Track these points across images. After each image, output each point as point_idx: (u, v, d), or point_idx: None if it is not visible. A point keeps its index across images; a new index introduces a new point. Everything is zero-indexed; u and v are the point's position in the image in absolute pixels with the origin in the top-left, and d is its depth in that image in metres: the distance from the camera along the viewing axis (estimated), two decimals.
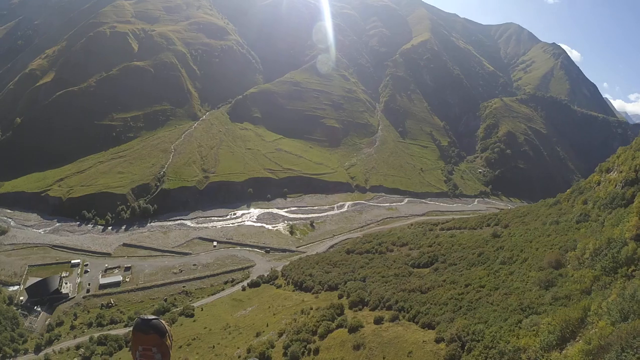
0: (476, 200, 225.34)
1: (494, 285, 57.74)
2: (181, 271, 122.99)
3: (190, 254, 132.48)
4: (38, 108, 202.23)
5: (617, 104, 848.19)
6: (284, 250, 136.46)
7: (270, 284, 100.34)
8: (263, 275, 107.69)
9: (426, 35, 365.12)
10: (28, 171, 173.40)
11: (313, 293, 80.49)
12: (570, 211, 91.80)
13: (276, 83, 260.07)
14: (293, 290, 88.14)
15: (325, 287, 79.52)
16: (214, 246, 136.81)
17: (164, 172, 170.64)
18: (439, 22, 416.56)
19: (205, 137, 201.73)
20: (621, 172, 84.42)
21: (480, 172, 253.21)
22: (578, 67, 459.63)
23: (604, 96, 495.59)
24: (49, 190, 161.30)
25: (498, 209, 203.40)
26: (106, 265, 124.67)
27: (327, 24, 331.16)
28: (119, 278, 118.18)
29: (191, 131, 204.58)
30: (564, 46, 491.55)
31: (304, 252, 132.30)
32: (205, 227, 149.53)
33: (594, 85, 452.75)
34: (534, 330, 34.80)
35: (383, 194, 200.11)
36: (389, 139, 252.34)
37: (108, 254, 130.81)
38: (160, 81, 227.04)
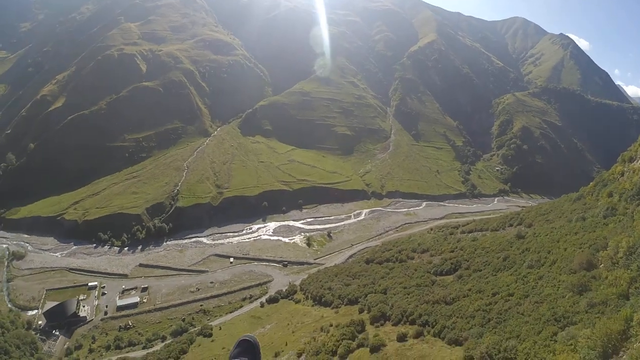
0: (496, 199, 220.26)
1: (523, 292, 54.27)
2: (198, 289, 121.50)
3: (207, 271, 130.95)
4: (50, 133, 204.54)
5: (630, 90, 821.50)
6: (301, 263, 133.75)
7: (289, 299, 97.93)
8: (281, 290, 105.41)
9: (432, 36, 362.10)
10: (43, 196, 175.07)
11: (333, 308, 77.82)
12: (595, 205, 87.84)
13: (285, 94, 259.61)
14: (312, 305, 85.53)
15: (345, 301, 76.75)
16: (231, 262, 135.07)
17: (177, 190, 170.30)
18: (444, 22, 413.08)
19: (218, 152, 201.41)
20: None
21: (497, 170, 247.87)
22: (588, 56, 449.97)
23: (616, 83, 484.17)
24: (65, 213, 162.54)
25: (519, 206, 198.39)
26: (123, 286, 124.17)
27: (323, 28, 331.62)
28: (136, 299, 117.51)
29: (203, 148, 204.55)
30: (572, 36, 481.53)
31: (323, 264, 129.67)
32: (221, 244, 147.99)
33: (606, 72, 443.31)
34: (571, 345, 31.67)
35: (400, 199, 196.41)
36: (403, 142, 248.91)
37: (125, 275, 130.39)
38: (170, 100, 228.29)
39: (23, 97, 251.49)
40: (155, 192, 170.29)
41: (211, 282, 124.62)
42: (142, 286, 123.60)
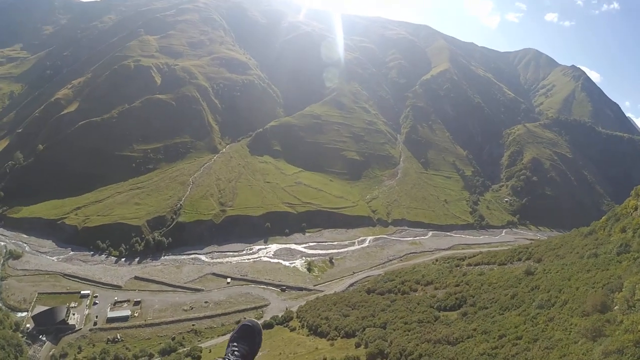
0: (504, 231, 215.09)
1: (532, 335, 50.57)
2: (192, 308, 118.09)
3: (203, 290, 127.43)
4: (61, 136, 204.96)
5: None
6: (300, 289, 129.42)
7: (284, 326, 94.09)
8: (277, 316, 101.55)
9: (445, 65, 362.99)
10: (47, 198, 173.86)
11: (328, 339, 74.07)
12: (607, 241, 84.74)
13: (297, 116, 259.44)
14: (307, 335, 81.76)
15: (342, 334, 73.13)
16: (228, 283, 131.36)
17: (180, 204, 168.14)
18: (457, 51, 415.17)
19: (224, 170, 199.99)
20: None
21: (506, 202, 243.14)
22: (599, 88, 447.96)
23: (626, 115, 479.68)
24: (66, 218, 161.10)
25: (527, 239, 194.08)
26: (115, 298, 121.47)
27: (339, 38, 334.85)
28: (128, 312, 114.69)
29: (210, 164, 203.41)
30: (583, 68, 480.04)
31: (322, 291, 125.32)
32: (220, 263, 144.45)
33: (617, 105, 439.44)
34: None
35: (406, 227, 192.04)
36: (411, 170, 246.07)
37: (119, 287, 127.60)
38: (181, 114, 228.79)
39: (38, 99, 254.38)
40: (158, 205, 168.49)
41: (206, 302, 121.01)
42: (135, 299, 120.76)
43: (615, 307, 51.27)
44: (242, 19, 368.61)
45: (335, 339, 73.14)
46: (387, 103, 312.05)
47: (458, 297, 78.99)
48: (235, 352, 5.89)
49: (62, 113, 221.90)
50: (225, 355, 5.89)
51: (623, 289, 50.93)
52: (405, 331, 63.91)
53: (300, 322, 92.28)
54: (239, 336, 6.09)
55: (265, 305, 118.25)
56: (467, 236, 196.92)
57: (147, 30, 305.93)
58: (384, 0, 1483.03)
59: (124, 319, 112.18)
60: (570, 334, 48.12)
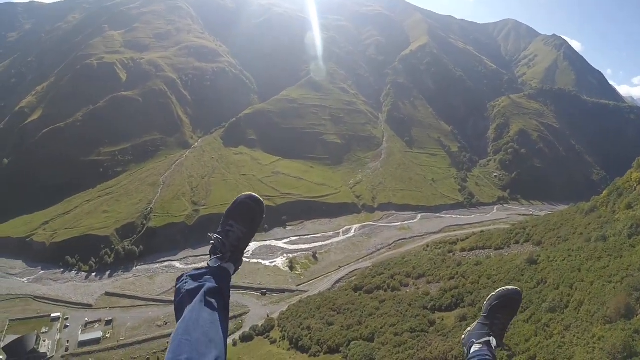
0: (495, 207, 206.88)
1: (548, 354, 41.13)
2: (166, 323, 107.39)
3: None
4: (25, 147, 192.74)
5: (623, 89, 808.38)
6: (282, 291, 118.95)
7: (265, 337, 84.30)
8: (257, 326, 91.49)
9: (424, 40, 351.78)
10: (16, 214, 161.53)
11: (310, 355, 64.71)
12: (613, 219, 76.31)
13: (272, 102, 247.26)
14: (288, 349, 72.22)
15: (325, 349, 63.66)
16: None
17: (151, 208, 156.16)
18: (435, 25, 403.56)
19: (197, 166, 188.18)
20: None
21: (495, 177, 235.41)
22: (582, 56, 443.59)
23: (609, 82, 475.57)
24: (34, 234, 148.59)
25: (520, 215, 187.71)
26: (86, 319, 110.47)
27: (315, 31, 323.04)
28: (99, 334, 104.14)
29: (182, 161, 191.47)
30: (564, 37, 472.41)
31: (306, 291, 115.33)
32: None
33: (600, 72, 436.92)
34: None
35: (393, 211, 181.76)
36: (395, 149, 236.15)
37: (90, 306, 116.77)
38: (149, 110, 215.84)
39: (4, 110, 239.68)
40: (127, 211, 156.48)
41: None
42: (107, 319, 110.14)
43: None
44: (210, 4, 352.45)
45: (318, 355, 63.97)
46: (366, 81, 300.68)
47: (454, 295, 70.18)
48: (230, 233, 4.90)
49: (25, 122, 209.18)
50: (219, 232, 4.96)
51: None
52: (395, 346, 54.57)
53: (281, 331, 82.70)
54: (237, 214, 4.91)
55: (245, 313, 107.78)
56: (458, 216, 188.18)
57: (112, 26, 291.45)
58: None
59: (96, 341, 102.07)
60: (594, 351, 38.91)
